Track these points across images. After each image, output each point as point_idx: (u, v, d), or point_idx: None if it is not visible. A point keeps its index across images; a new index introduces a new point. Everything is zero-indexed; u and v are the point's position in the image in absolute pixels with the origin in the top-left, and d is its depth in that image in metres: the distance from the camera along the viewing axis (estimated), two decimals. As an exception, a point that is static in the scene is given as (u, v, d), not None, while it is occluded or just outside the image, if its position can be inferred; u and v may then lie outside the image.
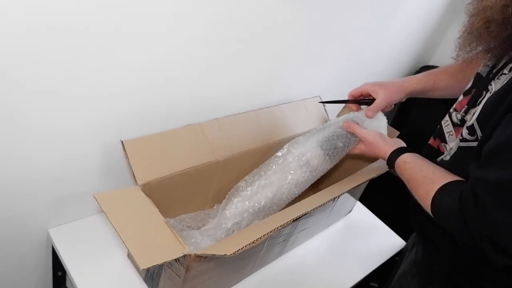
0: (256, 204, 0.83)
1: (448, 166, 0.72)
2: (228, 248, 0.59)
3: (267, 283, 0.88)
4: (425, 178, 0.68)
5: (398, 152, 0.78)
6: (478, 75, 0.74)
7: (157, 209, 0.68)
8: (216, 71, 0.88)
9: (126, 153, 0.72)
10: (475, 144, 0.65)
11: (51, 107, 0.69)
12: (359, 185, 0.87)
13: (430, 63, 1.68)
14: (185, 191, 0.83)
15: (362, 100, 0.93)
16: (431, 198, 0.64)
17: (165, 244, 0.63)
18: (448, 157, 0.74)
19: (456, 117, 0.74)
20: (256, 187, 0.84)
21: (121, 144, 0.73)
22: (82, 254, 0.81)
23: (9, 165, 0.70)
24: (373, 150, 0.85)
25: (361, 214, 1.17)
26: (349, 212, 1.14)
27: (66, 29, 0.61)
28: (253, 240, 0.60)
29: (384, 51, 1.43)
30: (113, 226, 0.61)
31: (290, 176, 0.85)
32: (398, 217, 1.42)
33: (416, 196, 0.69)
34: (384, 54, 1.44)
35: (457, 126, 0.73)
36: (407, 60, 1.59)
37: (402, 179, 0.75)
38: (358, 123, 0.89)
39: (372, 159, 0.94)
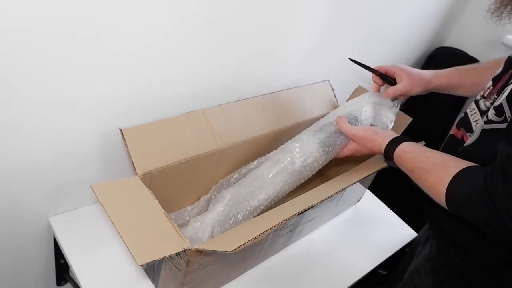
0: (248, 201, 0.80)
1: (469, 151, 0.68)
2: (229, 244, 0.56)
3: (272, 274, 0.86)
4: (434, 165, 0.64)
5: (395, 141, 0.74)
6: (509, 59, 0.70)
7: (157, 201, 0.65)
8: (218, 55, 0.84)
9: (125, 142, 0.70)
10: (502, 125, 0.61)
11: (47, 95, 0.66)
12: (369, 175, 0.83)
13: (446, 44, 1.61)
14: (187, 180, 0.81)
15: (386, 77, 0.90)
16: (446, 184, 0.60)
17: (164, 238, 0.60)
18: (469, 143, 0.69)
19: (484, 104, 0.70)
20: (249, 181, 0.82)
21: (120, 132, 0.70)
22: (83, 243, 0.79)
23: (6, 154, 0.68)
24: (365, 145, 0.80)
25: (371, 203, 1.14)
26: (358, 201, 1.11)
27: (59, 13, 0.58)
28: (255, 236, 0.57)
29: (397, 32, 1.36)
30: (110, 219, 0.59)
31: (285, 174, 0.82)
32: (408, 206, 1.39)
33: (424, 185, 0.65)
34: (397, 36, 1.38)
35: (486, 113, 0.68)
36: (421, 42, 1.52)
37: (404, 169, 0.71)
38: (350, 119, 0.85)
39: (365, 157, 0.89)
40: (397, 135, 0.77)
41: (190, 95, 0.85)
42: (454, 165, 0.62)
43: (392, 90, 0.87)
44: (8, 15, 0.54)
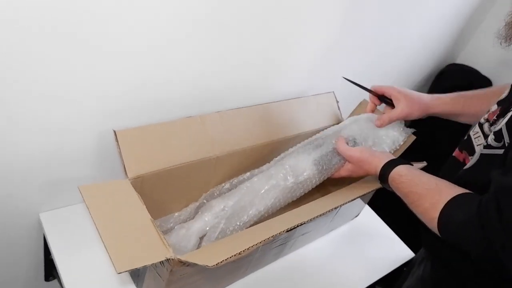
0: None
1: (467, 175, 0.67)
2: (212, 258, 0.55)
3: (261, 286, 0.84)
4: (428, 191, 0.64)
5: (391, 164, 0.73)
6: None
7: (145, 206, 0.64)
8: (221, 60, 0.83)
9: (118, 144, 0.69)
10: (500, 151, 0.60)
11: (45, 91, 0.65)
12: (369, 192, 0.81)
13: (458, 61, 1.58)
14: (180, 186, 0.79)
15: (384, 97, 0.87)
16: (439, 210, 0.59)
17: (148, 245, 0.59)
18: (468, 166, 0.68)
19: (489, 128, 0.68)
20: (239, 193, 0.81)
21: (113, 134, 0.69)
22: (70, 241, 0.78)
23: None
24: (361, 167, 0.79)
25: (369, 218, 1.11)
26: (356, 216, 1.09)
27: (57, 12, 0.57)
28: (239, 251, 0.56)
29: (408, 47, 1.34)
30: (94, 222, 0.58)
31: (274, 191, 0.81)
32: (409, 224, 1.36)
33: (417, 210, 0.65)
34: (407, 50, 1.35)
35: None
36: (433, 57, 1.49)
37: (398, 193, 0.70)
38: (349, 140, 0.84)
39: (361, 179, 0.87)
40: (393, 157, 0.76)
41: (190, 99, 0.84)
42: (448, 191, 0.61)
43: (388, 116, 0.84)
44: (7, 12, 0.54)
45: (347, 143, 0.85)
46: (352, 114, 1.05)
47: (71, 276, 0.73)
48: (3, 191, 0.73)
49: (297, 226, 0.65)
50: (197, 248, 0.78)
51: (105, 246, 0.55)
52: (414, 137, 0.98)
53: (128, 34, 0.67)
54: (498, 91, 0.78)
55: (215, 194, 0.86)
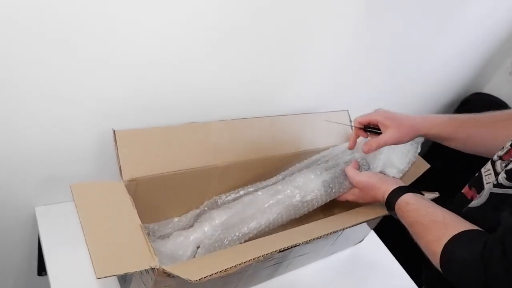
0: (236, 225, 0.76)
1: (474, 214, 0.63)
2: (197, 272, 0.52)
3: (252, 305, 0.81)
4: (434, 223, 0.61)
5: (399, 191, 0.71)
6: None
7: (136, 211, 0.62)
8: (231, 68, 0.81)
9: (116, 144, 0.67)
10: (511, 191, 0.58)
11: (48, 88, 0.65)
12: (375, 218, 0.77)
13: (484, 91, 1.52)
14: (178, 193, 0.77)
15: (369, 128, 0.82)
16: (442, 245, 0.57)
17: (133, 251, 0.57)
18: (476, 205, 0.64)
19: (501, 166, 0.64)
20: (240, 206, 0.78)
21: (112, 133, 0.68)
22: (62, 238, 0.76)
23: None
24: (368, 192, 0.77)
25: (374, 245, 1.06)
26: (360, 241, 1.04)
27: (62, 7, 0.57)
28: (226, 268, 0.53)
29: (432, 71, 1.29)
30: (80, 222, 0.56)
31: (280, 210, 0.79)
32: (413, 254, 1.30)
33: (421, 242, 0.62)
34: (431, 74, 1.31)
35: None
36: (457, 85, 1.44)
37: (404, 222, 0.68)
38: (362, 164, 0.83)
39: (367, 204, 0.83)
40: (403, 184, 0.72)
41: (196, 105, 0.82)
42: (454, 225, 0.58)
43: (377, 141, 0.78)
44: (7, 12, 0.53)
45: (360, 167, 0.84)
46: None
47: (58, 272, 0.72)
48: (0, 182, 0.73)
49: (293, 247, 0.62)
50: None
51: (88, 248, 0.53)
52: (427, 166, 0.94)
53: (135, 40, 0.66)
54: (497, 117, 0.75)
55: (218, 202, 0.83)
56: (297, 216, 0.82)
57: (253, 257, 0.56)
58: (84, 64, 0.65)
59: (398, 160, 0.91)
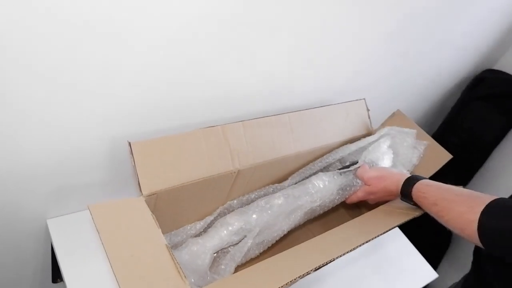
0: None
1: None
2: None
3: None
4: (461, 197, 0.63)
5: (414, 178, 0.74)
6: None
7: (160, 230, 0.59)
8: (244, 64, 0.76)
9: (133, 157, 0.63)
10: None
11: (54, 95, 0.59)
12: (407, 220, 0.74)
13: (495, 67, 1.47)
14: (196, 201, 0.74)
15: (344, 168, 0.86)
16: (478, 212, 0.57)
17: (162, 276, 0.54)
18: None
19: None
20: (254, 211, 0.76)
21: (128, 145, 0.63)
22: (76, 249, 0.74)
23: (5, 151, 0.62)
24: (379, 184, 0.79)
25: (393, 235, 1.05)
26: (379, 232, 1.02)
27: (72, 11, 0.51)
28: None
29: (444, 49, 1.24)
30: (104, 250, 0.52)
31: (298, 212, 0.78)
32: (431, 242, 1.30)
33: (449, 216, 0.63)
34: (445, 58, 1.26)
35: None
36: (469, 62, 1.39)
37: (424, 204, 0.69)
38: (370, 165, 0.85)
39: (376, 203, 0.84)
40: (414, 174, 0.76)
41: (209, 107, 0.78)
42: (484, 196, 0.60)
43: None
44: (17, 11, 0.48)
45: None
46: (383, 125, 0.98)
47: (75, 281, 0.70)
48: (10, 197, 0.69)
49: (331, 261, 0.59)
50: (211, 265, 0.73)
51: (117, 280, 0.50)
52: (449, 156, 0.91)
53: (149, 38, 0.60)
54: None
55: (232, 206, 0.80)
56: (313, 217, 0.84)
57: (291, 279, 0.53)
58: (94, 69, 0.60)
59: (402, 163, 0.92)
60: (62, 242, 0.74)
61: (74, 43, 0.55)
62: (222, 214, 0.79)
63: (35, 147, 0.64)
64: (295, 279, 0.55)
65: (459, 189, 0.66)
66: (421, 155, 0.93)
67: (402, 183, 0.75)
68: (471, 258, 0.82)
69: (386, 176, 0.78)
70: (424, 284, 0.97)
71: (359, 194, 0.82)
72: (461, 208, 0.61)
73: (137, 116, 0.71)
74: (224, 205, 0.79)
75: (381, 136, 0.94)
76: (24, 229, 0.76)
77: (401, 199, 0.76)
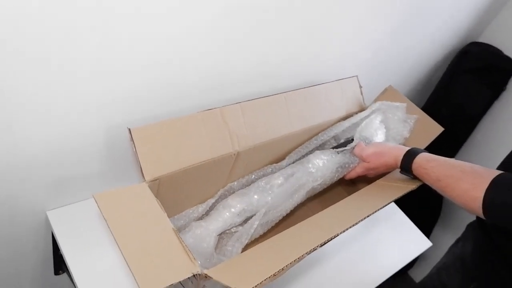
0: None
1: None
2: (243, 279, 0.51)
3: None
4: (465, 173, 0.63)
5: (413, 152, 0.74)
6: None
7: (166, 214, 0.59)
8: (237, 46, 0.75)
9: (133, 144, 0.62)
10: None
11: (46, 80, 0.58)
12: (404, 194, 0.76)
13: (480, 40, 1.49)
14: (198, 185, 0.74)
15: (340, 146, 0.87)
16: (483, 189, 0.59)
17: (173, 260, 0.54)
18: None
19: None
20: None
21: (128, 132, 0.62)
22: (80, 239, 0.74)
23: (6, 144, 0.61)
24: (379, 160, 0.79)
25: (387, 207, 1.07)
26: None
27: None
28: (274, 273, 0.51)
29: (431, 28, 1.25)
30: (114, 239, 0.52)
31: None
32: (422, 210, 1.33)
33: (454, 193, 0.64)
34: (430, 32, 1.26)
35: None
36: (455, 35, 1.40)
37: (427, 178, 0.69)
38: (365, 142, 0.86)
39: (375, 176, 0.85)
40: (413, 147, 0.76)
41: (205, 90, 0.77)
42: (487, 172, 0.60)
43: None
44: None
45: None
46: (376, 100, 0.99)
47: (82, 272, 0.70)
48: (9, 191, 0.67)
49: (333, 238, 0.60)
50: (216, 247, 0.74)
51: (129, 267, 0.50)
52: (441, 129, 0.93)
53: (139, 21, 0.59)
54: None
55: (232, 188, 0.81)
56: (313, 194, 0.85)
57: (299, 256, 0.54)
58: (87, 58, 0.58)
59: (393, 137, 0.94)
60: (65, 232, 0.74)
61: (67, 30, 0.53)
62: (223, 197, 0.79)
63: (31, 139, 0.63)
64: (302, 255, 0.56)
65: (461, 164, 0.66)
66: (412, 129, 0.95)
67: (401, 157, 0.75)
68: (462, 224, 0.85)
69: (384, 152, 0.78)
70: (418, 254, 1.00)
71: (358, 170, 0.83)
72: (465, 185, 0.61)
73: (131, 103, 0.70)
74: (225, 187, 0.79)
75: (373, 112, 0.95)
76: (24, 222, 0.75)
77: (400, 172, 0.77)
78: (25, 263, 0.84)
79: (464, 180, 0.62)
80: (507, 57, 1.40)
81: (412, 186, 0.76)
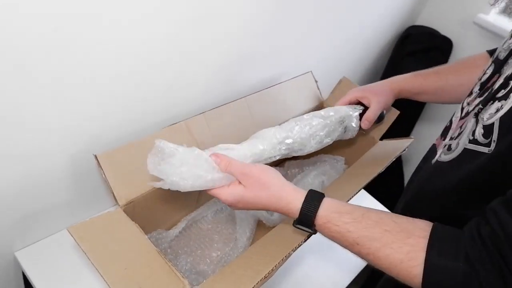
0: None
1: (445, 168, 0.60)
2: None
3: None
4: (389, 233, 0.48)
5: (311, 199, 0.53)
6: (497, 61, 0.60)
7: (146, 236, 0.58)
8: (190, 56, 0.75)
9: (102, 170, 0.61)
10: (484, 149, 0.51)
11: (7, 114, 0.55)
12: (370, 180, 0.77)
13: (417, 23, 1.58)
14: (173, 200, 0.73)
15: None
16: (419, 265, 0.45)
17: (161, 281, 0.54)
18: (446, 158, 0.60)
19: (473, 110, 0.58)
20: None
21: (94, 158, 0.60)
22: (54, 275, 0.71)
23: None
24: (258, 194, 0.55)
25: (362, 198, 1.09)
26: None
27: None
28: (264, 275, 0.52)
29: (372, 17, 1.31)
30: (97, 269, 0.51)
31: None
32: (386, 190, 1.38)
33: (383, 263, 0.48)
34: (372, 20, 1.32)
35: (474, 130, 0.56)
36: (394, 22, 1.47)
37: (341, 240, 0.51)
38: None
39: None
40: (306, 191, 0.55)
41: (167, 106, 0.76)
42: (415, 229, 0.47)
43: (370, 117, 0.80)
44: None
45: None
46: (333, 92, 1.02)
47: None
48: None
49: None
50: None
51: (116, 296, 0.49)
52: (397, 112, 0.97)
53: (100, 45, 0.58)
54: (457, 68, 0.77)
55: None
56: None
57: (285, 254, 0.56)
58: (45, 86, 0.56)
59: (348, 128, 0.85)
60: (37, 271, 0.70)
61: (20, 63, 0.51)
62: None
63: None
64: (289, 253, 0.57)
65: (384, 218, 0.50)
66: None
67: (299, 207, 0.53)
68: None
69: (270, 195, 0.55)
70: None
71: (221, 197, 0.58)
72: (397, 256, 0.47)
73: (92, 128, 0.68)
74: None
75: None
76: (-9, 268, 0.71)
77: (294, 226, 0.55)
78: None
79: (392, 246, 0.47)
80: (444, 37, 1.50)
81: (379, 168, 0.78)
